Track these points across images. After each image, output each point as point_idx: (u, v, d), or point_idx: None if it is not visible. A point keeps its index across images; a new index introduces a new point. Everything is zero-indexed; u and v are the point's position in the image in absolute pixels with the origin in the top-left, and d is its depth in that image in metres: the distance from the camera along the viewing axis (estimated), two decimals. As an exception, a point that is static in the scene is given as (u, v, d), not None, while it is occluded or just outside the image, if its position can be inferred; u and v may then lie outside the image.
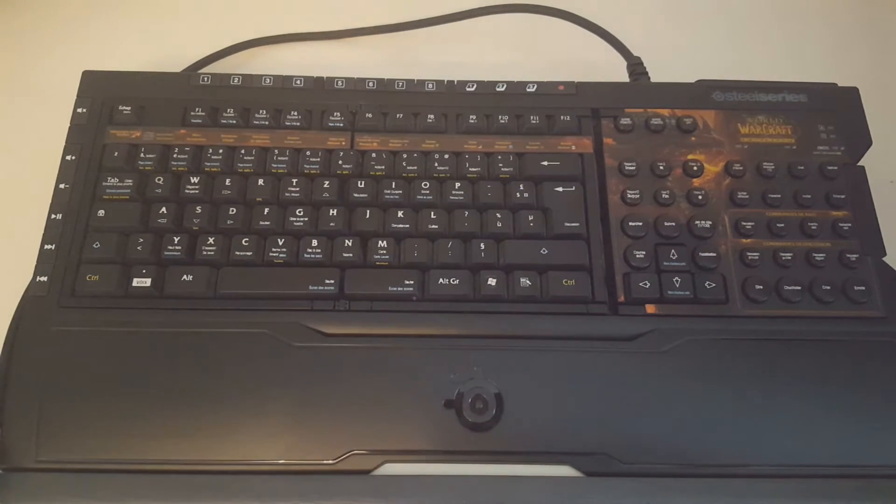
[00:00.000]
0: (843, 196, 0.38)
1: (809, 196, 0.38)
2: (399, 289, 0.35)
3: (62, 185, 0.37)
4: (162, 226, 0.36)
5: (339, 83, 0.40)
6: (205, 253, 0.35)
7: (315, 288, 0.35)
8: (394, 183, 0.37)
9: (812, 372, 0.34)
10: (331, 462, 0.32)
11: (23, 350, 0.33)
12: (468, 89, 0.41)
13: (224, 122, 0.39)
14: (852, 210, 0.38)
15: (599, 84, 0.41)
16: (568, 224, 0.37)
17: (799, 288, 0.35)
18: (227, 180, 0.37)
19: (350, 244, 0.36)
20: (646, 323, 0.35)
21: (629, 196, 0.37)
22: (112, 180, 0.37)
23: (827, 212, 0.38)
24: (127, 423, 0.32)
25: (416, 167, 0.38)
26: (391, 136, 0.39)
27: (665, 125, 0.39)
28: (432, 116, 0.39)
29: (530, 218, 0.37)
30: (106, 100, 0.39)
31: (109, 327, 0.34)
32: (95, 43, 0.48)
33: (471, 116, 0.39)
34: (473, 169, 0.38)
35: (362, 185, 0.37)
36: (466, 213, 0.37)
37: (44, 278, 0.35)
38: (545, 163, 0.38)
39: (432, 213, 0.37)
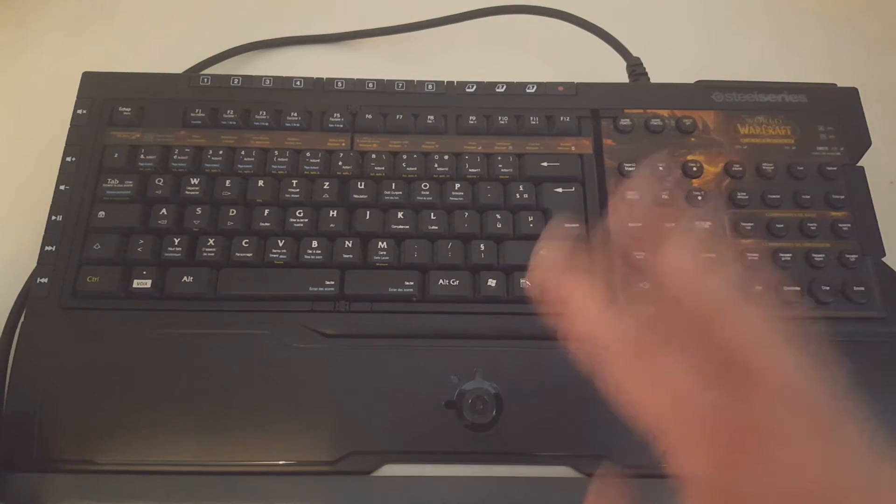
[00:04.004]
0: (842, 196, 0.38)
1: (809, 196, 0.38)
2: (399, 289, 0.35)
3: (62, 187, 0.37)
4: (162, 227, 0.36)
5: (339, 84, 0.40)
6: (205, 254, 0.35)
7: (315, 289, 0.35)
8: (394, 184, 0.37)
9: (812, 372, 0.34)
10: (331, 462, 0.32)
11: (23, 351, 0.34)
12: (468, 90, 0.41)
13: (224, 123, 0.39)
14: (852, 210, 0.38)
15: (599, 85, 0.41)
16: (568, 225, 0.37)
17: (798, 288, 0.36)
18: (228, 181, 0.37)
19: (350, 245, 0.36)
20: (645, 323, 0.35)
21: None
22: (112, 181, 0.37)
23: (826, 212, 0.38)
24: (127, 424, 0.32)
25: (415, 168, 0.38)
26: (391, 136, 0.39)
27: (664, 126, 0.39)
28: (432, 117, 0.39)
29: (530, 219, 0.37)
30: (106, 101, 0.39)
31: (110, 328, 0.34)
32: (96, 44, 0.48)
33: (470, 117, 0.39)
34: (473, 170, 0.38)
35: (362, 186, 0.37)
36: (466, 213, 0.37)
37: (44, 279, 0.35)
38: (545, 164, 0.38)
39: (432, 213, 0.37)
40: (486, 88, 0.41)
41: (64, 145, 0.38)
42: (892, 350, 0.35)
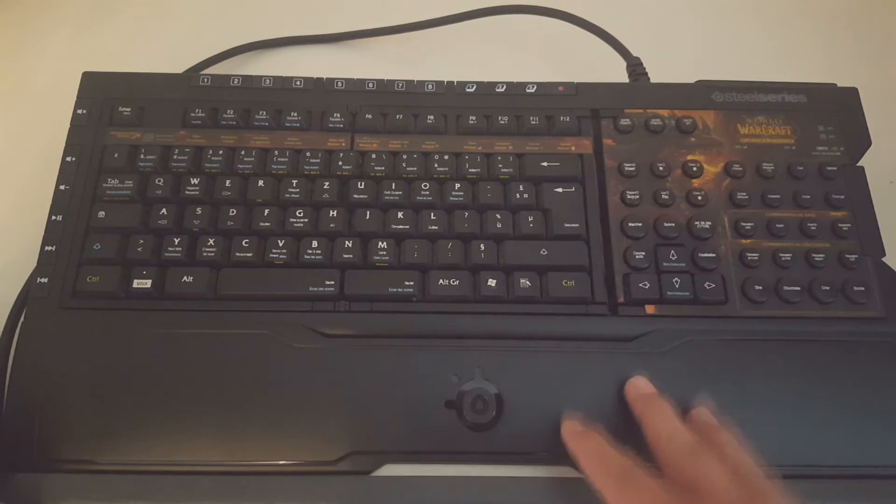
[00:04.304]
0: (842, 196, 0.38)
1: (809, 196, 0.38)
2: (399, 289, 0.35)
3: (62, 187, 0.37)
4: (162, 227, 0.36)
5: (339, 84, 0.41)
6: (205, 254, 0.35)
7: (315, 289, 0.35)
8: (394, 184, 0.37)
9: (812, 372, 0.34)
10: (331, 462, 0.32)
11: (23, 351, 0.34)
12: (468, 90, 0.41)
13: (224, 122, 0.39)
14: (852, 210, 0.38)
15: (599, 84, 0.41)
16: (568, 225, 0.37)
17: (798, 288, 0.36)
18: (228, 181, 0.37)
19: (350, 245, 0.36)
20: (645, 323, 0.35)
21: (629, 197, 0.37)
22: (112, 181, 0.37)
23: (826, 212, 0.38)
24: (127, 425, 0.32)
25: (415, 168, 0.38)
26: (391, 136, 0.39)
27: (665, 126, 0.39)
28: (432, 117, 0.39)
29: (530, 219, 0.37)
30: (106, 101, 0.39)
31: (110, 328, 0.34)
32: (96, 44, 0.48)
33: (470, 117, 0.39)
34: (473, 170, 0.38)
35: (362, 186, 0.37)
36: (466, 213, 0.37)
37: (44, 279, 0.35)
38: (545, 163, 0.38)
39: (432, 213, 0.37)
40: (486, 88, 0.41)
41: (64, 145, 0.38)
42: (892, 350, 0.35)
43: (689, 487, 0.27)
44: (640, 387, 0.33)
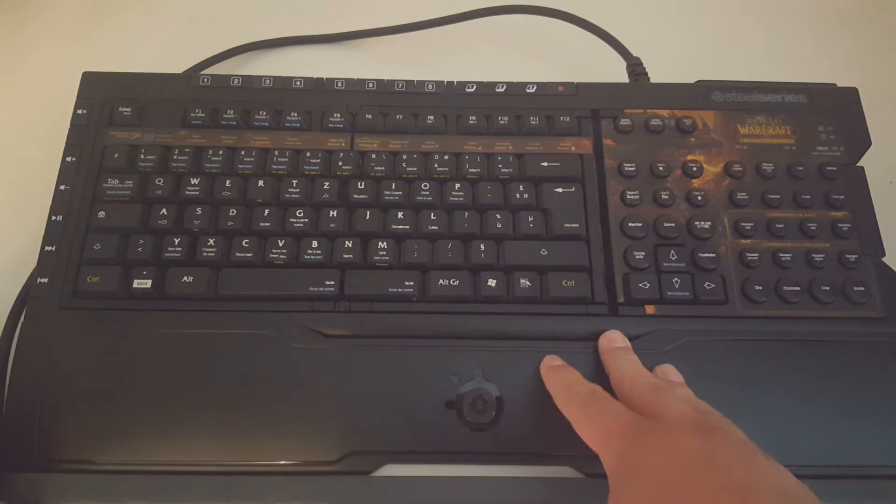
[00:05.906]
0: (842, 196, 0.38)
1: (809, 196, 0.38)
2: (399, 289, 0.35)
3: (63, 187, 0.37)
4: (162, 227, 0.36)
5: (339, 84, 0.41)
6: (205, 254, 0.35)
7: (315, 289, 0.35)
8: (394, 184, 0.37)
9: (812, 372, 0.34)
10: (331, 462, 0.32)
11: (23, 351, 0.34)
12: (468, 90, 0.41)
13: (224, 123, 0.39)
14: (851, 210, 0.38)
15: (599, 85, 0.41)
16: (567, 225, 0.37)
17: (798, 288, 0.36)
18: (228, 181, 0.37)
19: (350, 245, 0.36)
20: (645, 324, 0.35)
21: (629, 197, 0.37)
22: (112, 181, 0.37)
23: (826, 212, 0.38)
24: (127, 425, 0.32)
25: (415, 168, 0.38)
26: (391, 136, 0.39)
27: (664, 126, 0.39)
28: (432, 117, 0.39)
29: (530, 219, 0.37)
30: (106, 101, 0.39)
31: (110, 328, 0.34)
32: (96, 44, 0.48)
33: (470, 117, 0.39)
34: (473, 170, 0.38)
35: (362, 186, 0.37)
36: (466, 213, 0.37)
37: (44, 279, 0.35)
38: (545, 164, 0.38)
39: (432, 213, 0.37)
40: (486, 88, 0.41)
41: (64, 145, 0.38)
42: (892, 350, 0.35)
43: (649, 413, 0.28)
44: (613, 339, 0.34)
